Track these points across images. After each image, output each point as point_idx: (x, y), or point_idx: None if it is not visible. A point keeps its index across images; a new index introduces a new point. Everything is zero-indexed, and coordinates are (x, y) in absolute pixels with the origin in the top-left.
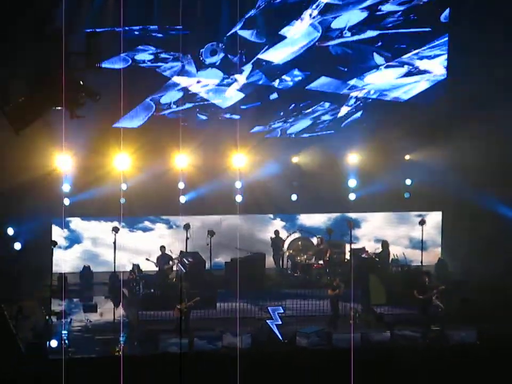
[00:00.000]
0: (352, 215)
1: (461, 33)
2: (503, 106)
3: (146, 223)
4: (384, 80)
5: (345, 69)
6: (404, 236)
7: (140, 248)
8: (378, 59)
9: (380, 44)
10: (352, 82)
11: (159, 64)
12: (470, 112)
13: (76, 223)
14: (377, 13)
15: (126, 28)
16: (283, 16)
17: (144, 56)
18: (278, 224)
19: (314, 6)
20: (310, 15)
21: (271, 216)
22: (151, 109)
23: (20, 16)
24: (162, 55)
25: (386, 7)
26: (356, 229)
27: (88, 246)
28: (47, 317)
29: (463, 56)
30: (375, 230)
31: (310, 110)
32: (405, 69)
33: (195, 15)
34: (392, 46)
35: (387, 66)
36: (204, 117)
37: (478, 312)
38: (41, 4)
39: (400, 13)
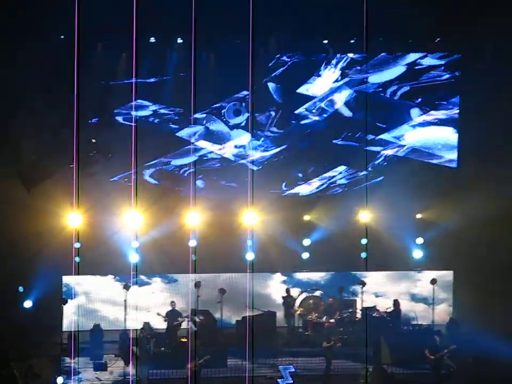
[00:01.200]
0: (363, 274)
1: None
2: None
3: (157, 280)
4: (420, 138)
5: (384, 125)
6: (405, 292)
7: (150, 305)
8: (415, 114)
9: (420, 99)
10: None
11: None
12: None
13: (86, 280)
14: (417, 67)
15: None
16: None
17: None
18: (289, 282)
19: (334, 62)
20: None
21: (282, 274)
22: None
23: (32, 74)
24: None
25: (427, 61)
26: (362, 286)
27: (97, 303)
28: (56, 376)
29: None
30: (377, 287)
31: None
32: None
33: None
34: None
35: (425, 124)
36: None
37: (490, 372)
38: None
39: (442, 67)
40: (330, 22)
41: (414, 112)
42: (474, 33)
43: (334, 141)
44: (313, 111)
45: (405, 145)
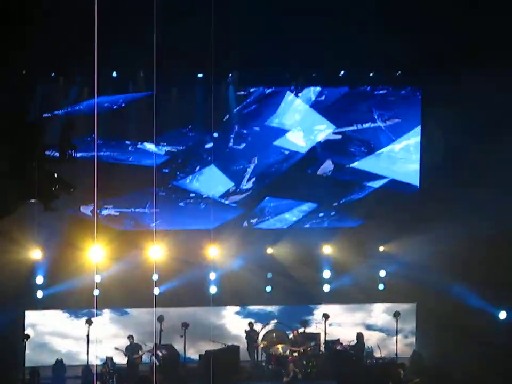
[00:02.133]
0: (326, 307)
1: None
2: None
3: (116, 314)
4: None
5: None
6: (360, 323)
7: (110, 340)
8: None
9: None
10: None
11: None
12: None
13: (47, 315)
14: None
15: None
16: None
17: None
18: (252, 315)
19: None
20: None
21: (245, 307)
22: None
23: None
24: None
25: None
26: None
27: (58, 338)
28: None
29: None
30: (338, 319)
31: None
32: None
33: None
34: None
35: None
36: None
37: None
38: (16, 92)
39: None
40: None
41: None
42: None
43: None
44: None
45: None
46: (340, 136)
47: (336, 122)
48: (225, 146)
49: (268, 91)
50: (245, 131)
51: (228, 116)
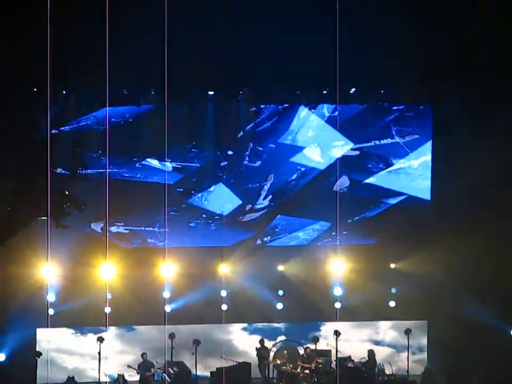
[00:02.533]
0: (338, 324)
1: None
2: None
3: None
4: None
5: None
6: (370, 340)
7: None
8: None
9: None
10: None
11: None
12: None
13: (59, 333)
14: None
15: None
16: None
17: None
18: (262, 332)
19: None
20: None
21: (256, 324)
22: None
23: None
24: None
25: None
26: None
27: (68, 356)
28: None
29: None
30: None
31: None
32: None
33: None
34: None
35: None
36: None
37: None
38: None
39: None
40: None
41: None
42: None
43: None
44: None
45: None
46: (357, 152)
47: (353, 138)
48: (241, 164)
49: (280, 107)
50: (260, 148)
51: (241, 133)
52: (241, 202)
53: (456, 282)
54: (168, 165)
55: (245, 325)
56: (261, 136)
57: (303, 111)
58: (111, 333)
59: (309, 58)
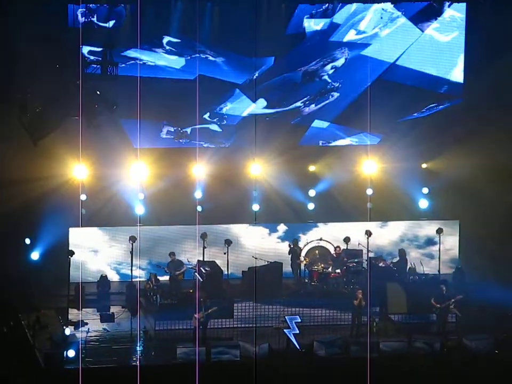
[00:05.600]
0: (370, 224)
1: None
2: None
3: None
4: None
5: None
6: (403, 239)
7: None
8: None
9: None
10: None
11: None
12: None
13: (92, 232)
14: None
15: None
16: None
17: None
18: (295, 232)
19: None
20: None
21: (288, 225)
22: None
23: (37, 24)
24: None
25: None
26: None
27: (102, 255)
28: (64, 327)
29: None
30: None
31: None
32: None
33: None
34: None
35: None
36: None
37: (496, 321)
38: (59, 13)
39: None
40: None
41: None
42: None
43: None
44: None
45: None
46: None
47: None
48: None
49: None
50: None
51: None
52: None
53: (489, 180)
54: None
55: (279, 226)
56: None
57: None
58: (142, 232)
59: None
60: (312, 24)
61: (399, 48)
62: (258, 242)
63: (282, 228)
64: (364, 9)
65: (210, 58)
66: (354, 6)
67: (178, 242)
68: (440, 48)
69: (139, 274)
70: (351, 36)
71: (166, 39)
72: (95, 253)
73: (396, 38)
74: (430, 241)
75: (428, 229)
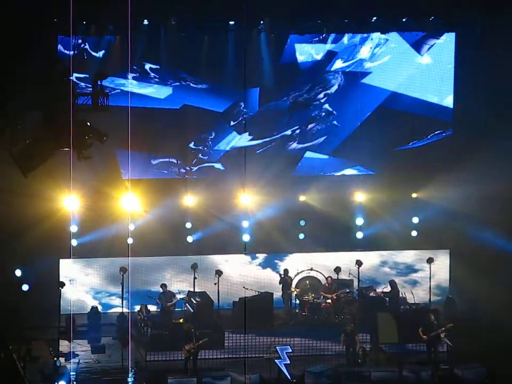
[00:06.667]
0: (360, 254)
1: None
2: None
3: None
4: None
5: None
6: (388, 269)
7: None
8: None
9: None
10: None
11: None
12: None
13: (83, 263)
14: None
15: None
16: None
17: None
18: (286, 263)
19: None
20: None
21: (278, 255)
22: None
23: (27, 57)
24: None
25: None
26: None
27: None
28: (55, 358)
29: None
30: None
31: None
32: None
33: None
34: None
35: None
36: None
37: (488, 350)
38: (49, 44)
39: None
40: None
41: None
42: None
43: None
44: None
45: None
46: None
47: None
48: None
49: None
50: None
51: None
52: None
53: (479, 210)
54: None
55: (268, 255)
56: None
57: None
58: (133, 263)
59: None
60: (300, 55)
61: (391, 75)
62: (250, 272)
63: (270, 257)
64: (353, 37)
65: (196, 86)
66: (346, 37)
67: (168, 272)
68: (432, 76)
69: (129, 305)
70: (339, 64)
71: (147, 65)
72: (86, 284)
73: (387, 67)
74: (419, 270)
75: (419, 257)
